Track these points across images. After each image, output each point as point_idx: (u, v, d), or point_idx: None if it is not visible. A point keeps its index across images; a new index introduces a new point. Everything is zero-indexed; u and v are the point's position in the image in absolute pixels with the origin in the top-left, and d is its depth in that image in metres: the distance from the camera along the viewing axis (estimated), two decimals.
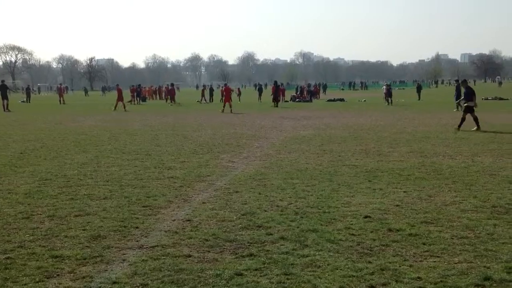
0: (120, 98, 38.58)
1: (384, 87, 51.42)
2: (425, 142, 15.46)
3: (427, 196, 8.30)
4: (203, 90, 52.57)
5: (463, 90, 20.80)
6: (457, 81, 35.53)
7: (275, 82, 43.86)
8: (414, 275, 4.96)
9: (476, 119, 18.91)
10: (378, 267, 5.16)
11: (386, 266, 5.19)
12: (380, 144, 15.16)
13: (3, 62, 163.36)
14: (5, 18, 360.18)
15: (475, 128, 18.67)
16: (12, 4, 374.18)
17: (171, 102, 46.74)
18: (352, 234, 6.27)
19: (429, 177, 9.96)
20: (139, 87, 53.40)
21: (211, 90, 53.97)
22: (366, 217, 7.05)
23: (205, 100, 49.46)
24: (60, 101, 51.17)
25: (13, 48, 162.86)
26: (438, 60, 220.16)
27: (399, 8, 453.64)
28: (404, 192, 8.64)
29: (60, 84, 66.95)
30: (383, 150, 13.75)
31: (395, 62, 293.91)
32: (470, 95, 19.56)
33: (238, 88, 59.21)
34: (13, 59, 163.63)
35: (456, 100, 31.24)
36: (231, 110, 33.04)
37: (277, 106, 39.39)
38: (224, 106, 33.93)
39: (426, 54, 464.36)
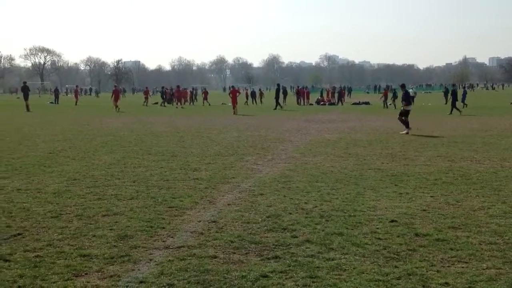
0: (116, 98, 39.53)
1: (411, 90, 51.08)
2: (453, 146, 15.27)
3: (455, 201, 8.20)
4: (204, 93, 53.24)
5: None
6: (454, 85, 35.57)
7: (278, 85, 44.10)
8: (442, 281, 4.90)
9: (403, 122, 19.50)
10: (405, 272, 5.12)
11: (413, 271, 5.14)
12: (406, 148, 15.02)
13: (32, 64, 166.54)
14: (35, 20, 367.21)
15: (404, 131, 19.17)
16: (41, 7, 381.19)
17: (178, 104, 47.28)
18: (378, 238, 6.23)
19: (457, 182, 9.83)
20: (163, 89, 53.80)
21: (253, 93, 54.68)
22: (392, 221, 6.99)
23: (206, 103, 49.84)
24: (76, 102, 51.87)
25: (42, 50, 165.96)
26: (465, 63, 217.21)
27: (426, 11, 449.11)
28: (431, 196, 8.55)
29: (77, 86, 67.75)
30: (409, 154, 13.62)
31: (421, 65, 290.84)
32: (407, 99, 20.30)
33: (260, 90, 59.39)
34: (42, 61, 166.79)
35: (452, 104, 31.59)
36: (235, 112, 33.75)
37: (275, 109, 39.47)
38: (234, 108, 34.66)
39: (453, 57, 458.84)
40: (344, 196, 8.55)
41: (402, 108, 20.24)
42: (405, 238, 6.26)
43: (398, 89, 48.99)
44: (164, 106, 47.88)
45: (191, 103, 53.22)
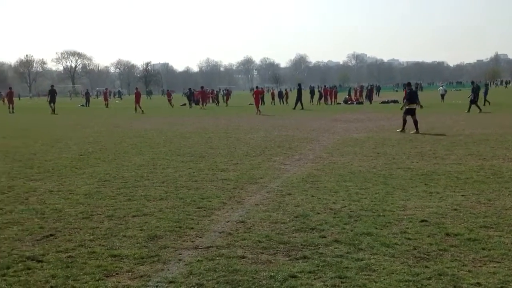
0: (137, 100, 41.11)
1: (441, 88, 50.36)
2: (484, 144, 14.99)
3: (486, 200, 8.05)
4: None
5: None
6: (473, 83, 34.69)
7: (299, 85, 44.07)
8: (473, 281, 4.82)
9: (415, 122, 19.35)
10: (436, 272, 5.05)
11: (444, 271, 5.07)
12: (436, 146, 14.81)
13: (64, 67, 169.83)
14: (66, 24, 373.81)
15: (414, 131, 19.00)
16: (72, 11, 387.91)
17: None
18: (408, 238, 6.16)
19: (488, 180, 9.65)
20: (190, 90, 54.28)
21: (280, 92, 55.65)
22: (422, 221, 6.90)
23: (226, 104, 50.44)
24: (106, 104, 53.04)
25: (74, 53, 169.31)
26: (497, 60, 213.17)
27: (456, 7, 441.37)
28: (462, 196, 8.41)
29: (106, 88, 68.88)
30: (439, 153, 13.43)
31: (451, 62, 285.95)
32: (413, 97, 20.21)
33: (286, 90, 59.72)
34: (73, 64, 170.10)
35: (472, 102, 30.75)
36: (259, 112, 34.27)
37: (302, 109, 39.94)
38: (257, 108, 35.12)
39: (484, 54, 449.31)
40: (373, 196, 8.48)
41: (407, 107, 20.10)
42: (436, 238, 6.18)
43: (449, 86, 48.08)
44: (191, 107, 48.31)
45: (217, 104, 53.85)
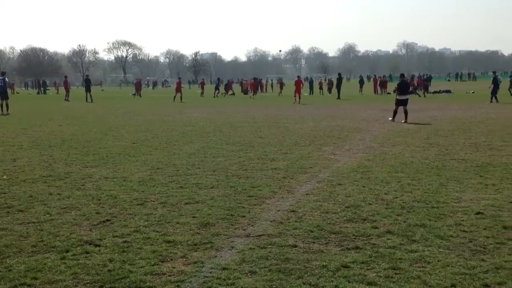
0: (178, 89, 42.10)
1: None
2: None
3: None
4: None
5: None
6: (494, 72, 34.00)
7: (339, 75, 44.45)
8: None
9: (405, 112, 20.01)
10: (493, 266, 4.93)
11: (502, 265, 4.94)
12: (491, 137, 14.39)
13: (115, 57, 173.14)
14: (117, 15, 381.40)
15: (403, 120, 19.72)
16: (123, 2, 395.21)
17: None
18: (464, 231, 6.03)
19: None
20: (218, 80, 55.15)
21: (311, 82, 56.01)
22: (478, 213, 6.74)
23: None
24: (136, 94, 54.58)
25: (125, 43, 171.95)
26: None
27: None
28: None
29: (139, 79, 70.04)
30: (495, 144, 13.04)
31: (506, 51, 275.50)
32: (405, 89, 20.56)
33: (330, 79, 59.85)
34: (124, 54, 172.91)
35: (492, 93, 31.42)
36: (299, 101, 35.44)
37: (338, 99, 40.44)
38: (295, 97, 35.99)
39: None
40: (426, 187, 8.33)
41: (397, 97, 20.68)
42: (492, 230, 6.02)
43: (504, 76, 46.63)
44: (217, 96, 48.93)
45: (254, 94, 54.76)
